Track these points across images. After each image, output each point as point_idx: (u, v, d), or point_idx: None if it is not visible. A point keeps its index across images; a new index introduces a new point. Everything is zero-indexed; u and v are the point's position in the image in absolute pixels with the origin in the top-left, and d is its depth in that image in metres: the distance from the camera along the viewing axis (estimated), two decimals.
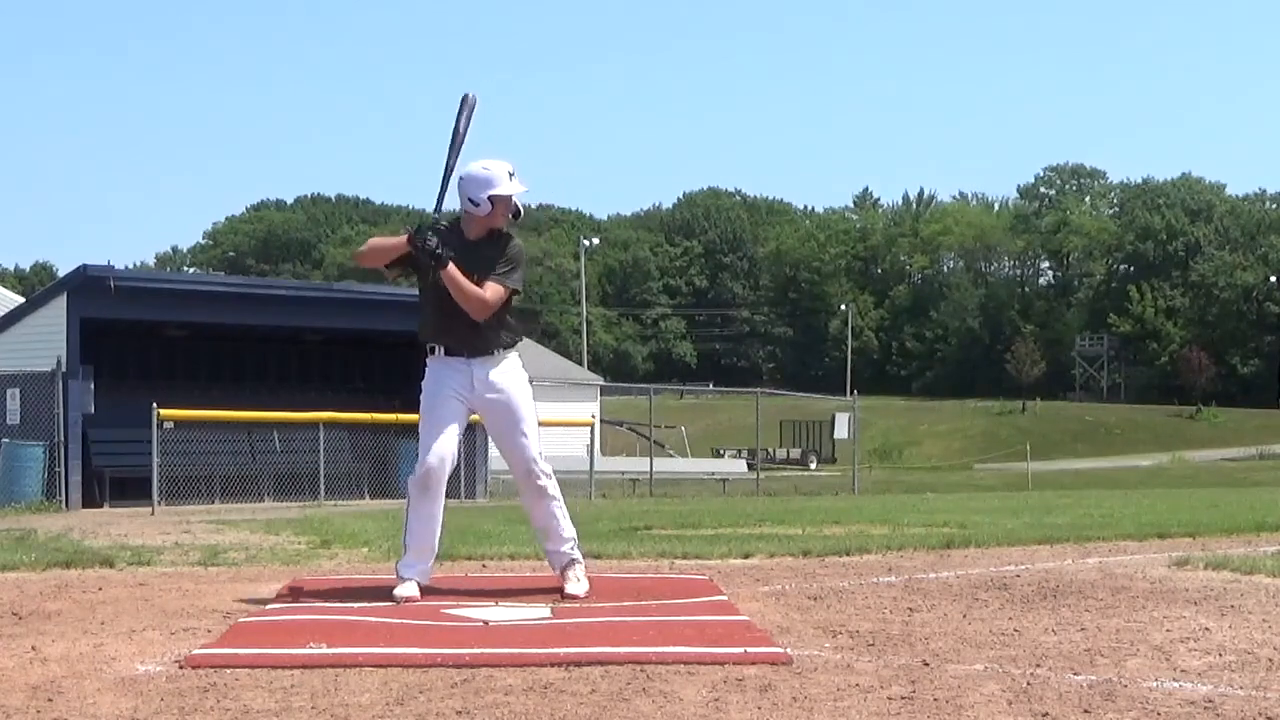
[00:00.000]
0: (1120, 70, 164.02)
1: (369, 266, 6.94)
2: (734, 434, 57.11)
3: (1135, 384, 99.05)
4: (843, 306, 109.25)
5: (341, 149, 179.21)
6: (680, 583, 7.26)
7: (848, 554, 9.10)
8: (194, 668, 4.66)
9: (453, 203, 6.66)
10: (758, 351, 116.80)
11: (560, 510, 6.74)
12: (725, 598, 6.55)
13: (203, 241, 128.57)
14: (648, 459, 31.34)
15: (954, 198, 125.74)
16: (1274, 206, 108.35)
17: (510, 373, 6.64)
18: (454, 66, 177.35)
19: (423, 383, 6.65)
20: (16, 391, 18.62)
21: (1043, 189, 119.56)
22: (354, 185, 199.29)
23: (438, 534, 6.64)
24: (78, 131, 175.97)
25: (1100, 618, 6.00)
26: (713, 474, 34.55)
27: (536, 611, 6.05)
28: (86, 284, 18.32)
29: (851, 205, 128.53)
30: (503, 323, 6.62)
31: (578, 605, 6.26)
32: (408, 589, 6.39)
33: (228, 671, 4.59)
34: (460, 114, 6.67)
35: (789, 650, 4.96)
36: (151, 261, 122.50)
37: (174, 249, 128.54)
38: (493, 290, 6.48)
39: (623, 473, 30.83)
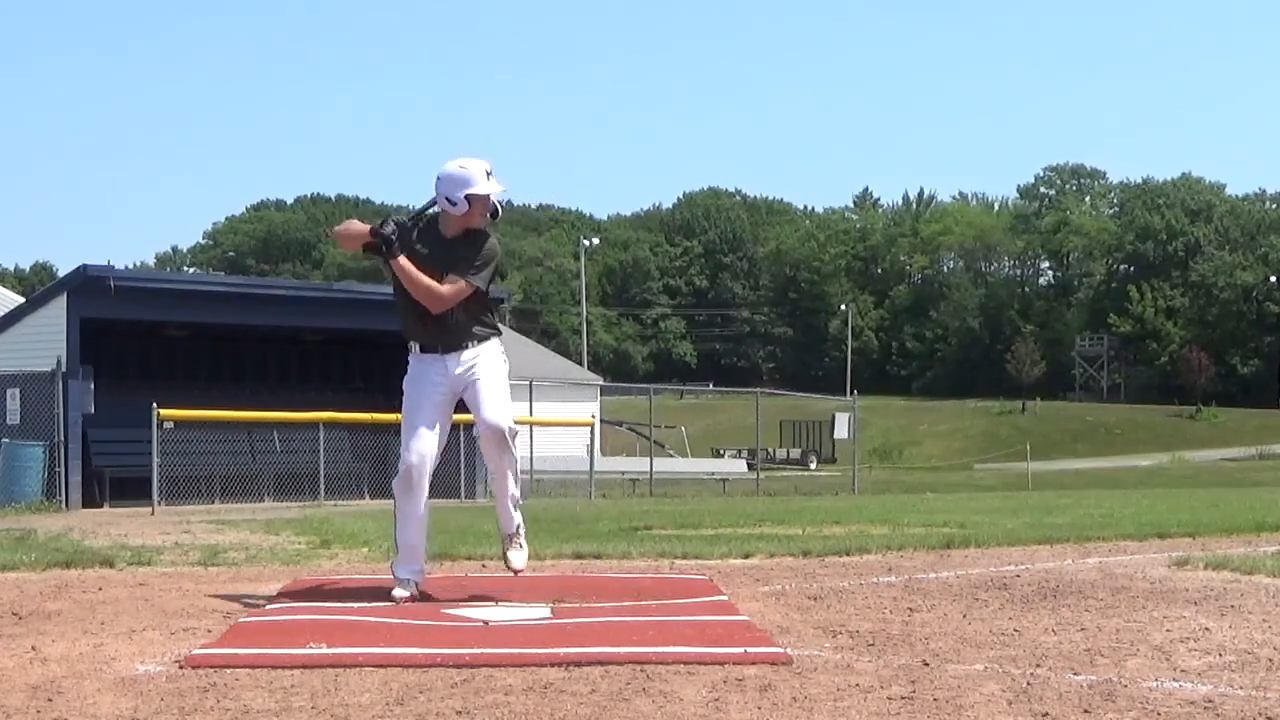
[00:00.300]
0: (1120, 70, 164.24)
1: (346, 250, 7.05)
2: (734, 434, 57.11)
3: (1135, 384, 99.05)
4: (843, 306, 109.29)
5: (341, 149, 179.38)
6: (680, 583, 7.26)
7: (848, 554, 9.11)
8: (194, 668, 4.66)
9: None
10: (758, 351, 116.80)
11: (516, 472, 6.61)
12: (725, 598, 6.55)
13: (203, 241, 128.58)
14: (648, 459, 31.37)
15: (954, 198, 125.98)
16: (1274, 206, 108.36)
17: (485, 353, 6.57)
18: (454, 66, 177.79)
19: (404, 380, 6.66)
20: (16, 391, 18.61)
21: (1043, 189, 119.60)
22: (354, 185, 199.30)
23: (426, 531, 6.64)
24: (78, 131, 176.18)
25: (1100, 618, 6.00)
26: (713, 474, 34.58)
27: (536, 611, 6.05)
28: (86, 284, 18.32)
29: (851, 205, 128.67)
30: (477, 319, 6.58)
31: (577, 605, 6.26)
32: (403, 590, 6.41)
33: (228, 671, 4.59)
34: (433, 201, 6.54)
35: (789, 650, 4.96)
36: (151, 261, 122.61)
37: (174, 249, 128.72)
38: (451, 285, 6.43)
39: (623, 473, 30.84)
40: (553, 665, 4.66)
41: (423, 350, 6.60)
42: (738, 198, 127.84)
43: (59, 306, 18.42)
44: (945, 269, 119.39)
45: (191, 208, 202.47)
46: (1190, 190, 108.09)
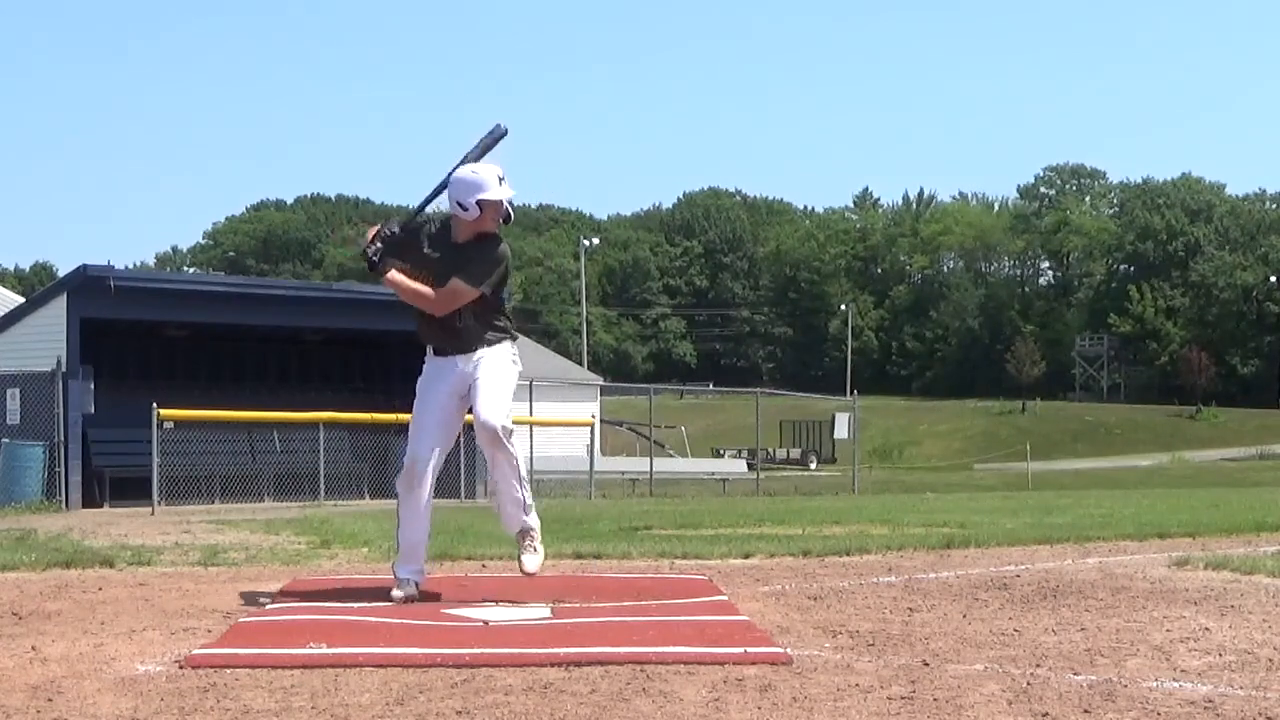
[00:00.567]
0: (1120, 70, 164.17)
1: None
2: (734, 434, 57.09)
3: (1135, 384, 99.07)
4: (843, 306, 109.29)
5: (341, 149, 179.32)
6: (680, 583, 7.26)
7: (848, 554, 9.11)
8: (194, 668, 4.66)
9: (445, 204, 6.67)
10: (758, 351, 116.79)
11: (515, 471, 6.58)
12: (725, 598, 6.56)
13: (203, 241, 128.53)
14: (648, 459, 31.35)
15: (954, 198, 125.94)
16: (1274, 206, 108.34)
17: (493, 355, 6.58)
18: (454, 66, 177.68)
19: (417, 381, 6.70)
20: (16, 391, 18.61)
21: (1043, 189, 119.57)
22: (354, 185, 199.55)
23: (427, 530, 6.65)
24: (78, 131, 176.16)
25: (1100, 618, 6.01)
26: (713, 474, 34.56)
27: (536, 611, 6.05)
28: (86, 284, 18.32)
29: (851, 205, 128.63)
30: (489, 324, 6.59)
31: (577, 605, 6.26)
32: (404, 590, 6.42)
33: (228, 671, 4.59)
34: (486, 138, 6.59)
35: (789, 650, 4.96)
36: (151, 261, 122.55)
37: (174, 249, 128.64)
38: (452, 288, 6.43)
39: (623, 473, 30.83)
40: (553, 665, 4.66)
41: (435, 353, 6.65)
42: (738, 198, 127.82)
43: (59, 306, 18.42)
44: (945, 269, 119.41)
45: (191, 208, 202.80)
46: (1190, 190, 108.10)
